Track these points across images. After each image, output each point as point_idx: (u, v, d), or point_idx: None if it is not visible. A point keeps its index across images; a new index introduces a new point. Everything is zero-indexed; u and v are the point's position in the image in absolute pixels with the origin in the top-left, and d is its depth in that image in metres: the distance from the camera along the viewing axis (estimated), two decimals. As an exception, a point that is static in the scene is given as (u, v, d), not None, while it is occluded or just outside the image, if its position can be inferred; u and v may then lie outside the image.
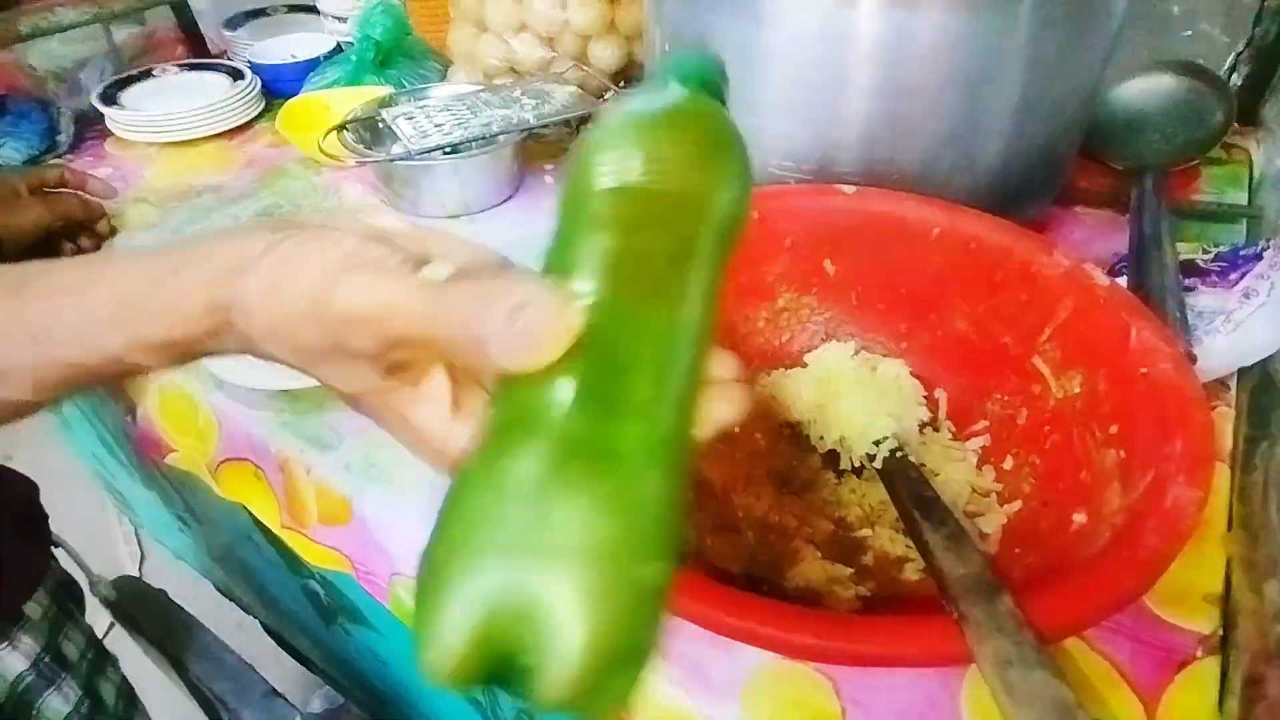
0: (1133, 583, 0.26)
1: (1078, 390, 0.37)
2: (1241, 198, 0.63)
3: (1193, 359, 0.41)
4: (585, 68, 0.75)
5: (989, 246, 0.43)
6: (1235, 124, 0.65)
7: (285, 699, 0.63)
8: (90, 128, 0.83)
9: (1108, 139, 0.66)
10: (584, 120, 0.77)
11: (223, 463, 0.51)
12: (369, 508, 0.44)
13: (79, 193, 0.64)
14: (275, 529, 0.50)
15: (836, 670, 0.35)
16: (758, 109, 0.50)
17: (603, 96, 0.74)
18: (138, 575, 1.40)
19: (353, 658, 0.77)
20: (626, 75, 0.78)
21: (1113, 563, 0.27)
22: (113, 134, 0.81)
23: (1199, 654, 0.34)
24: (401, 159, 0.62)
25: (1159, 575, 0.26)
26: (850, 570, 0.36)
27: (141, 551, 1.45)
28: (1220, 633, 0.34)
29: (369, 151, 0.65)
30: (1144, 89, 0.66)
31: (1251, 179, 0.65)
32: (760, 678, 0.35)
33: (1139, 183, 0.60)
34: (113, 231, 0.65)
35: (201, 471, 0.53)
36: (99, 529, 1.45)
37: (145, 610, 0.74)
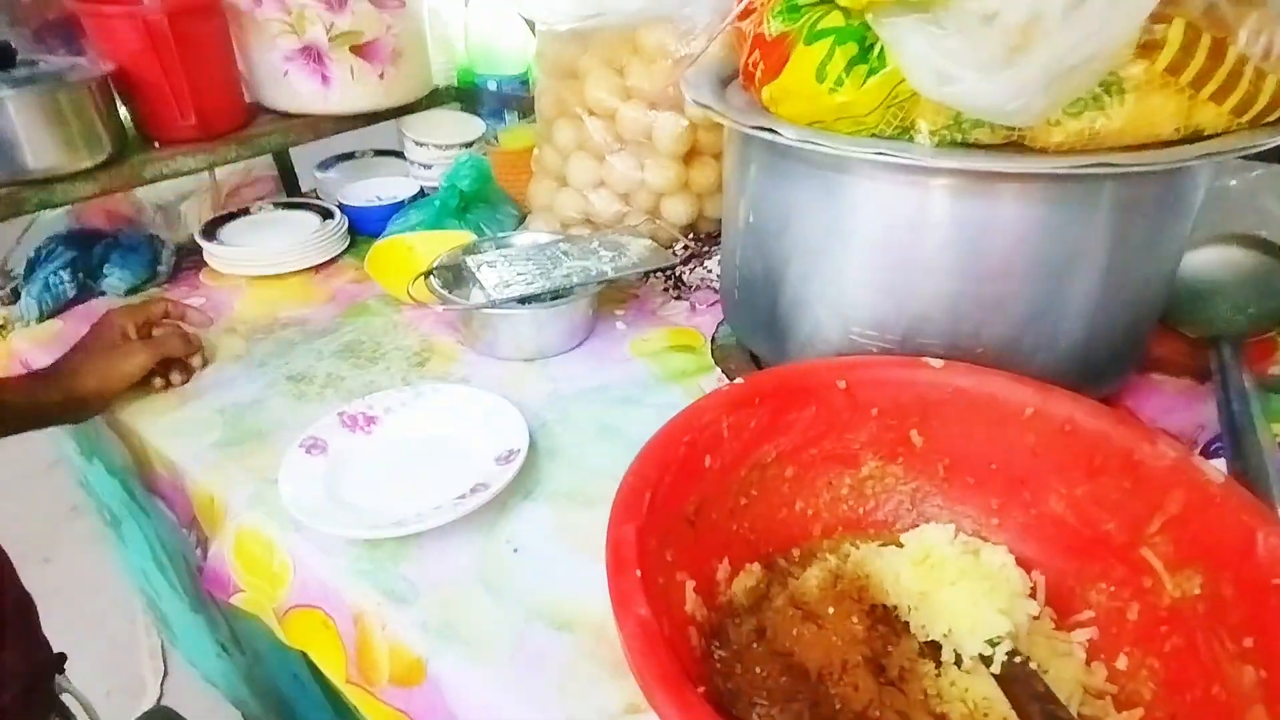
0: None
1: (1198, 592, 0.36)
2: (1323, 373, 0.62)
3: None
4: (658, 221, 0.78)
5: (1085, 430, 0.42)
6: (1307, 296, 0.65)
7: None
8: (187, 259, 0.88)
9: (1178, 307, 0.66)
10: (657, 271, 0.80)
11: (292, 609, 0.51)
12: (445, 672, 0.43)
13: (180, 325, 0.67)
14: (339, 683, 0.49)
15: None
16: (840, 279, 0.51)
17: (672, 248, 0.78)
18: (159, 694, 1.36)
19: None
20: (696, 229, 0.82)
21: None
22: (208, 265, 0.86)
23: None
24: (485, 307, 0.65)
25: None
26: None
27: (166, 669, 1.41)
28: None
29: (453, 297, 0.68)
30: (1211, 259, 0.67)
31: (1330, 352, 0.64)
32: None
33: (1218, 353, 0.59)
34: (204, 363, 0.68)
35: (268, 616, 0.53)
36: (124, 641, 1.43)
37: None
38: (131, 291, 0.82)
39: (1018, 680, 0.35)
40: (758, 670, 0.39)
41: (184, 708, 0.81)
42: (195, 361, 0.67)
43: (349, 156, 1.09)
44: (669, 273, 0.79)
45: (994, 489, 0.46)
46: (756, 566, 0.45)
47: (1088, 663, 0.39)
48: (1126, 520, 0.40)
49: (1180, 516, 0.38)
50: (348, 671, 0.48)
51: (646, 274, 0.80)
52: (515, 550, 0.49)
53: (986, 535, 0.46)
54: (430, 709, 0.44)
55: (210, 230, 0.87)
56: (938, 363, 0.48)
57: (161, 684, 1.41)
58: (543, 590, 0.46)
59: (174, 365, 0.66)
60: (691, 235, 0.81)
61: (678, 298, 0.77)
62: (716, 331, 0.71)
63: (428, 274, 0.69)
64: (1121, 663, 0.38)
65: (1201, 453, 0.50)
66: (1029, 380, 0.45)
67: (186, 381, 0.66)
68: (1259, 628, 0.32)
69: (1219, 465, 0.48)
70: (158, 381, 0.65)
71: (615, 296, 0.77)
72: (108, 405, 0.62)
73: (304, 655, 0.52)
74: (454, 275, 0.72)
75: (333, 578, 0.48)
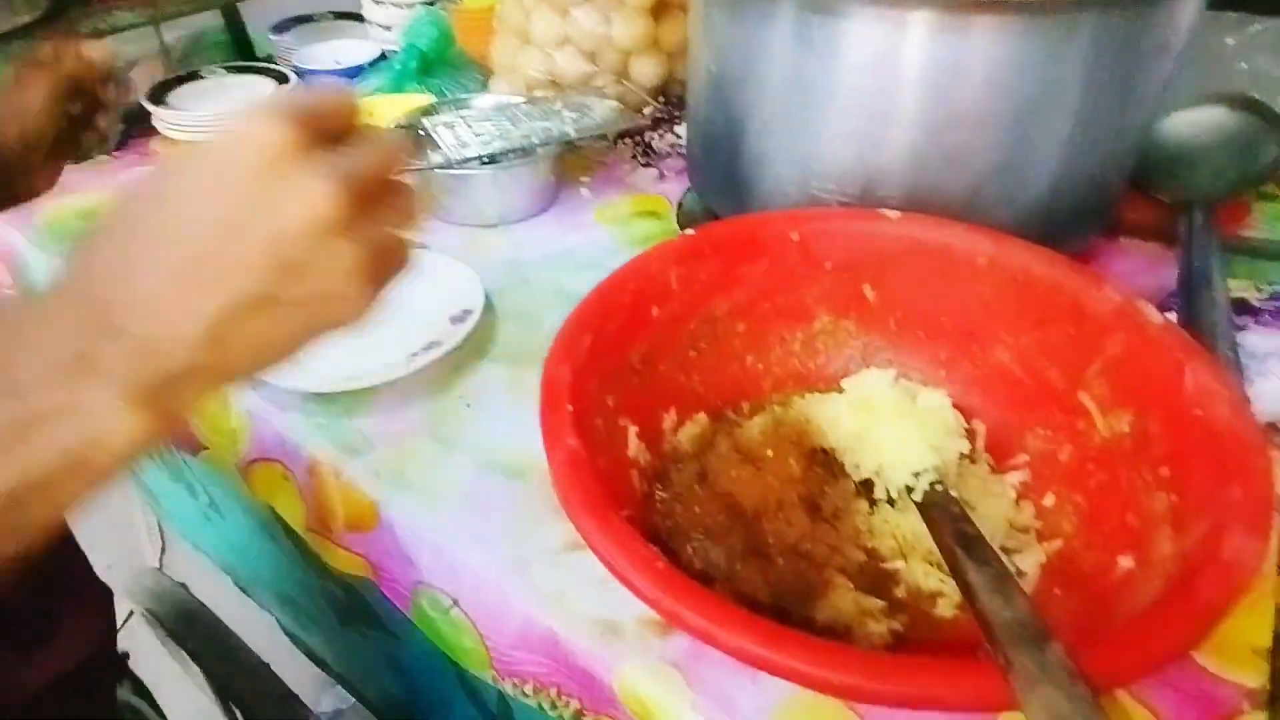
0: (1187, 636, 0.25)
1: (1127, 430, 0.36)
2: (1295, 236, 0.61)
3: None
4: (626, 83, 0.75)
5: (1037, 279, 0.42)
6: (1288, 160, 0.64)
7: (300, 701, 0.62)
8: (137, 127, 0.84)
9: (1155, 172, 0.64)
10: (622, 135, 0.77)
11: (252, 462, 0.52)
12: (396, 515, 0.44)
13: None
14: (301, 531, 0.50)
15: (863, 705, 0.34)
16: (802, 129, 0.49)
17: (642, 111, 0.74)
18: (159, 567, 1.42)
19: (368, 662, 0.76)
20: (666, 92, 0.78)
21: (1167, 614, 0.26)
22: (159, 133, 0.82)
23: (1245, 708, 0.33)
24: (442, 168, 0.63)
25: (1214, 628, 0.25)
26: (882, 604, 0.36)
27: (164, 543, 1.47)
28: (1269, 687, 0.33)
29: (410, 160, 0.66)
30: (1194, 122, 0.65)
31: (1304, 217, 0.63)
32: (788, 708, 0.34)
33: (1188, 217, 0.58)
34: (129, 96, 0.60)
35: (231, 470, 0.54)
36: (122, 522, 1.48)
37: (164, 604, 0.75)
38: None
39: (935, 505, 0.36)
40: (696, 510, 0.40)
41: (183, 574, 0.84)
42: (109, 96, 0.56)
43: (306, 19, 1.02)
44: (637, 139, 0.76)
45: (944, 342, 0.46)
46: (703, 416, 0.45)
47: (1017, 501, 0.40)
48: (1068, 366, 0.40)
49: (1118, 358, 0.38)
50: (307, 520, 0.50)
51: (615, 140, 0.78)
52: (468, 405, 0.50)
53: (934, 388, 0.46)
54: (385, 552, 0.45)
55: (158, 95, 0.83)
56: (894, 214, 0.46)
57: (160, 559, 1.47)
58: (494, 442, 0.47)
59: (98, 110, 0.57)
60: (661, 99, 0.77)
61: (646, 165, 0.75)
62: (684, 197, 0.69)
63: (382, 135, 0.66)
64: (1049, 500, 0.39)
65: (1158, 309, 0.50)
66: (985, 230, 0.44)
67: (122, 123, 0.59)
68: (1176, 457, 0.33)
69: (1170, 318, 0.48)
70: (89, 136, 0.57)
71: (581, 164, 0.75)
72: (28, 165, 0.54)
73: (276, 516, 0.54)
74: (411, 139, 0.69)
75: (288, 431, 0.49)
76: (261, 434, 0.51)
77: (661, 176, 0.73)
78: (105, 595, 0.50)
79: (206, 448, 0.55)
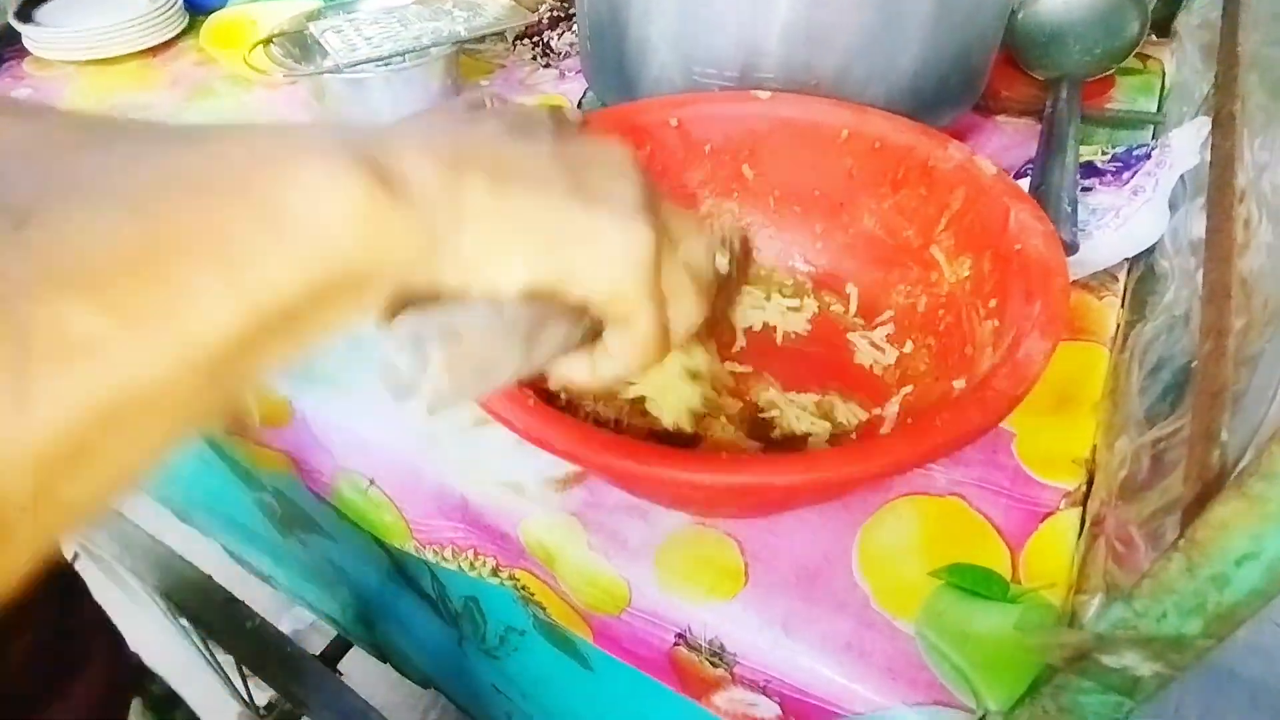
0: (982, 418, 0.29)
1: (967, 273, 0.40)
2: (1152, 105, 0.66)
3: (1073, 248, 0.44)
4: (519, -20, 0.73)
5: (893, 145, 0.45)
6: (1151, 35, 0.67)
7: (243, 604, 0.65)
8: (8, 48, 0.79)
9: (1029, 49, 0.68)
10: (521, 36, 0.77)
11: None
12: (309, 407, 0.46)
13: None
14: (223, 435, 0.52)
15: (741, 531, 0.38)
16: (681, 15, 0.50)
17: (537, 10, 0.74)
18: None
19: (312, 568, 0.79)
20: (562, -12, 0.77)
21: (966, 401, 0.30)
22: (30, 54, 0.78)
23: (1061, 505, 0.38)
24: (331, 72, 0.62)
25: (1005, 413, 0.29)
26: (758, 444, 0.40)
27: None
28: (1084, 488, 0.39)
29: (298, 66, 0.64)
30: (1065, 1, 0.68)
31: (1163, 89, 0.67)
32: (673, 540, 0.38)
33: (1055, 91, 0.62)
34: None
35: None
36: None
37: (110, 537, 0.76)
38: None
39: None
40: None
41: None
42: None
43: (181, -75, 0.96)
44: (536, 39, 0.75)
45: (818, 215, 0.49)
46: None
47: (883, 350, 0.45)
48: (922, 224, 0.44)
49: (960, 211, 0.42)
50: (228, 424, 0.51)
51: (514, 42, 0.77)
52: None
53: (811, 259, 0.50)
54: (302, 444, 0.47)
55: (26, 12, 0.78)
56: (764, 94, 0.49)
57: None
58: (401, 335, 0.49)
59: None
60: (558, -4, 0.76)
61: (546, 65, 0.75)
62: (583, 96, 0.69)
63: (268, 42, 0.65)
64: (908, 347, 0.44)
65: (1015, 175, 0.54)
66: (847, 104, 0.47)
67: None
68: (1000, 289, 0.37)
69: (1023, 182, 0.52)
70: None
71: (481, 67, 0.74)
72: None
73: (211, 444, 0.55)
74: (299, 46, 0.67)
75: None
76: (169, 345, 0.51)
77: (562, 76, 0.73)
78: (115, 642, 0.47)
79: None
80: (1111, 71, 0.67)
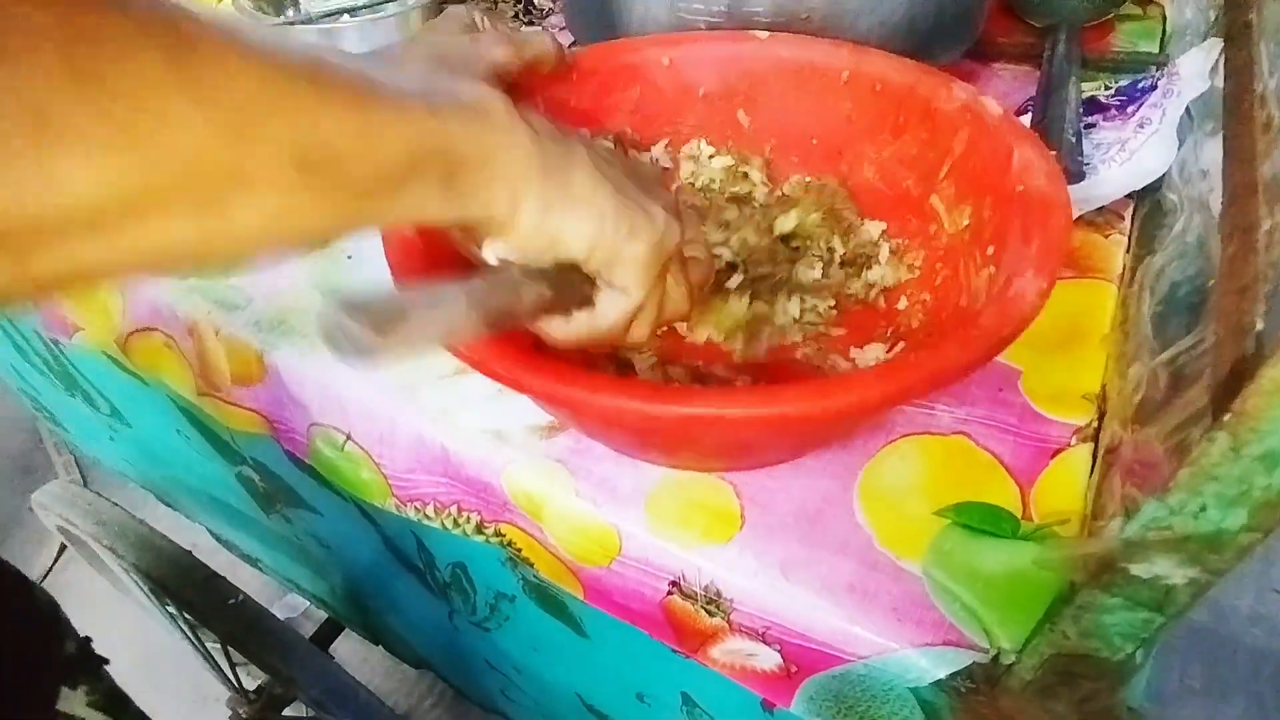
0: (969, 356, 0.27)
1: (967, 223, 0.38)
2: (1154, 49, 0.64)
3: (1078, 176, 0.42)
4: (499, -68, 0.71)
5: (894, 86, 0.43)
6: (1151, -21, 0.66)
7: (226, 580, 0.63)
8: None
9: (1027, -4, 0.66)
10: (502, -9, 0.74)
11: (131, 335, 0.50)
12: (282, 361, 0.43)
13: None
14: (192, 397, 0.50)
15: (737, 475, 0.36)
16: (664, -53, 0.48)
17: (519, -38, 0.71)
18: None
19: (299, 550, 0.77)
20: (544, -60, 0.75)
21: (952, 340, 0.28)
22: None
23: (1073, 441, 0.36)
24: (303, 23, 0.59)
25: (992, 353, 0.27)
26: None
27: (84, 479, 1.43)
28: (1095, 423, 0.37)
29: (268, 17, 0.62)
30: (1062, -56, 0.66)
31: (1164, 34, 0.65)
32: (664, 486, 0.36)
33: (1054, 36, 0.60)
34: None
35: (111, 348, 0.52)
36: (40, 461, 1.43)
37: (82, 517, 0.73)
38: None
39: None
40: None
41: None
42: None
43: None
44: (518, -5, 0.73)
45: (815, 163, 0.47)
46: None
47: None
48: (922, 172, 0.42)
49: (963, 155, 0.39)
50: (196, 384, 0.49)
51: (495, 0, 0.74)
52: (350, 257, 0.49)
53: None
54: (276, 401, 0.45)
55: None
56: (762, 34, 0.47)
57: (84, 494, 1.43)
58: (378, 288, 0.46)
59: None
60: (539, -51, 0.74)
61: (529, 23, 0.72)
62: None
63: (236, -6, 0.62)
64: (902, 304, 0.42)
65: (1016, 112, 0.52)
66: (846, 43, 0.45)
67: None
68: (999, 234, 0.34)
69: (1024, 119, 0.50)
70: None
71: (461, 24, 0.71)
72: None
73: (174, 404, 0.53)
74: (272, 1, 0.65)
75: (161, 295, 0.47)
76: (136, 303, 0.49)
77: (545, 32, 0.71)
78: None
79: (81, 328, 0.53)
80: (1110, 16, 0.65)
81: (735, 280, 0.41)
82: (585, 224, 0.27)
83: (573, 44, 0.66)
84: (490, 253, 0.27)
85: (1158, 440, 0.26)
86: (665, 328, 0.40)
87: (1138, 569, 0.19)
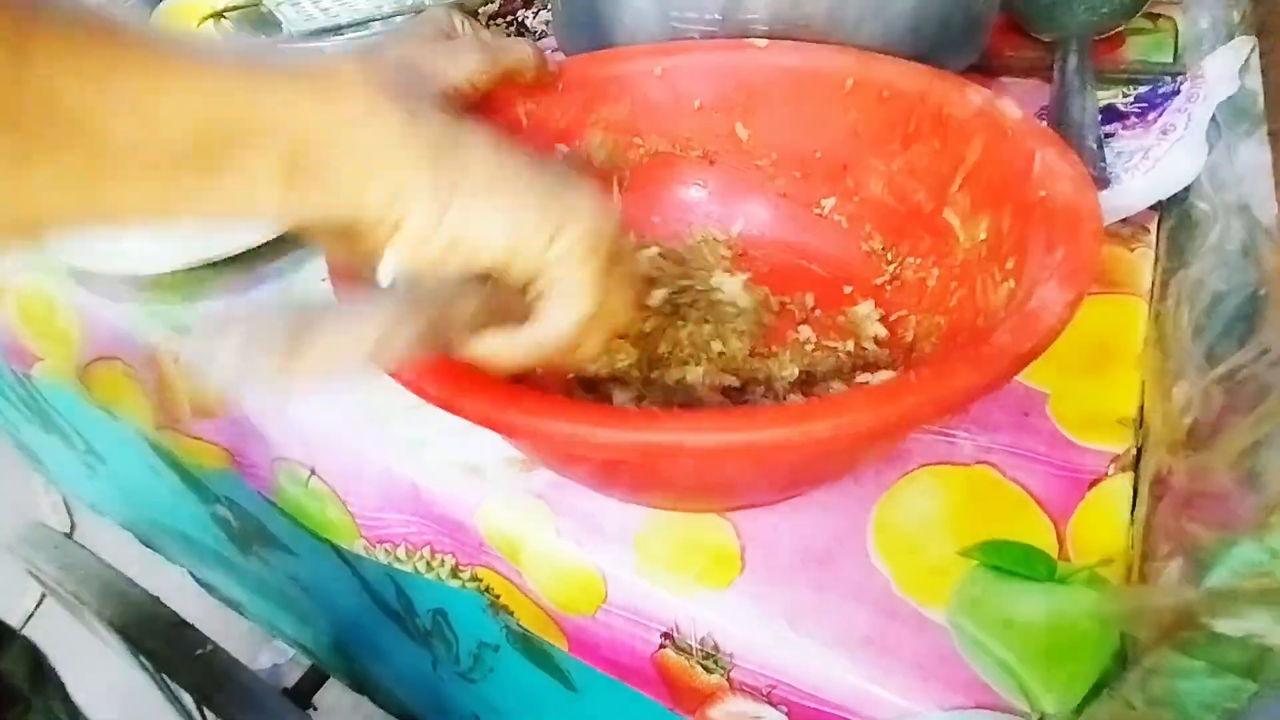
0: (981, 378, 0.23)
1: (984, 236, 0.35)
2: (1168, 60, 0.61)
3: (1103, 183, 0.39)
4: (490, -45, 0.70)
5: (903, 93, 0.40)
6: (1160, -7, 0.63)
7: (195, 629, 0.59)
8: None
9: (1033, 8, 0.64)
10: (495, 15, 0.73)
11: (90, 364, 0.47)
12: (243, 393, 0.40)
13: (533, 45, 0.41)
14: (152, 431, 0.46)
15: (736, 511, 0.32)
16: (655, -46, 0.46)
17: (510, -18, 0.70)
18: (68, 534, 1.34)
19: (280, 594, 0.73)
20: (536, -39, 0.73)
21: (958, 359, 0.24)
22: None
23: (1110, 471, 0.32)
24: (285, 43, 0.57)
25: (1010, 373, 0.23)
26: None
27: (72, 520, 1.39)
28: (1134, 451, 0.33)
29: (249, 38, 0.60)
30: (1069, -44, 0.64)
31: (1177, 45, 0.63)
32: (655, 523, 0.32)
33: (1064, 48, 0.58)
34: None
35: (72, 379, 0.49)
36: (26, 502, 1.39)
37: (47, 558, 0.70)
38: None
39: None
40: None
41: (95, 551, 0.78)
42: None
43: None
44: (510, 18, 0.71)
45: (819, 180, 0.44)
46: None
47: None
48: (934, 184, 0.39)
49: (979, 164, 0.36)
50: (156, 417, 0.46)
51: (488, 22, 0.73)
52: (324, 279, 0.46)
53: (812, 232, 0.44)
54: (239, 434, 0.42)
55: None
56: (762, 43, 0.44)
57: (70, 535, 1.39)
58: (351, 311, 0.43)
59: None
60: (531, -30, 0.72)
61: (521, 45, 0.71)
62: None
63: (219, 16, 0.60)
64: (911, 329, 0.38)
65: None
66: (849, 49, 0.43)
67: None
68: (1019, 246, 0.31)
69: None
70: None
71: (451, 47, 0.70)
72: None
73: (158, 450, 0.49)
74: (253, 22, 0.63)
75: (120, 320, 0.44)
76: (95, 331, 0.46)
77: (537, 55, 0.69)
78: None
79: (41, 358, 0.50)
80: (1120, 30, 0.63)
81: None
82: (497, 219, 0.22)
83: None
84: (385, 268, 0.23)
85: (1224, 466, 0.22)
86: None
87: (1225, 625, 0.16)
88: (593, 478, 0.32)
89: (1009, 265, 0.32)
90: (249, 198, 0.20)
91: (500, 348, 0.25)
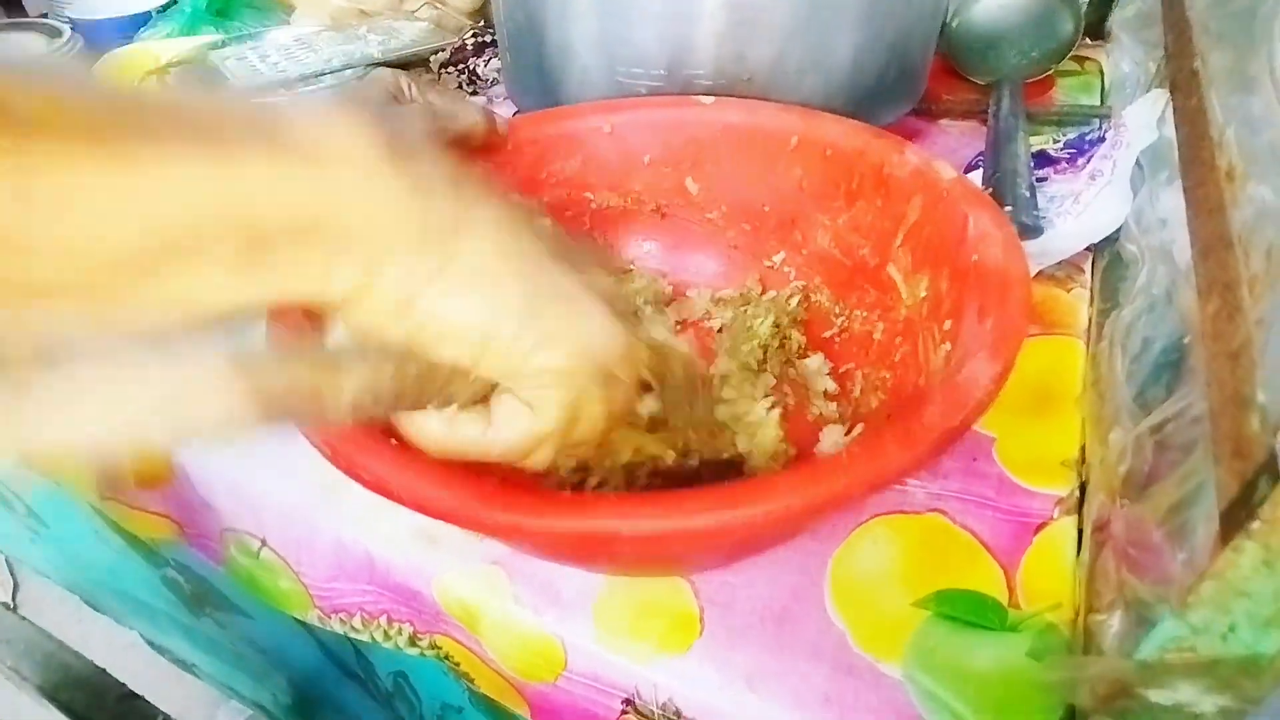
0: (908, 458, 0.23)
1: (924, 294, 0.36)
2: (1094, 102, 0.64)
3: (1036, 231, 0.41)
4: (440, 6, 0.70)
5: (845, 151, 0.41)
6: (1086, 38, 0.67)
7: (142, 699, 0.57)
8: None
9: (967, 55, 0.66)
10: (446, 65, 0.73)
11: (29, 435, 0.45)
12: (189, 460, 0.39)
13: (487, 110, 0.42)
14: (97, 500, 0.45)
15: (695, 574, 0.32)
16: (601, 11, 0.47)
17: (460, 35, 0.70)
18: (13, 607, 1.28)
19: (234, 654, 0.71)
20: (485, 14, 0.74)
21: (886, 435, 0.24)
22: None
23: (1055, 515, 0.33)
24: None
25: (941, 449, 0.24)
26: None
27: (15, 580, 1.33)
28: (1077, 493, 0.34)
29: (195, 95, 0.60)
30: (1003, 4, 0.67)
31: (1103, 87, 0.66)
32: (613, 588, 0.32)
33: (997, 92, 0.60)
34: None
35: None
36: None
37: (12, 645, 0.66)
38: None
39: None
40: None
41: (39, 613, 0.74)
42: None
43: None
44: (461, 66, 0.72)
45: (768, 234, 0.45)
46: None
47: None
48: (878, 240, 0.40)
49: (918, 223, 0.37)
50: (99, 486, 0.44)
51: (439, 71, 0.73)
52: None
53: (765, 280, 0.45)
54: (185, 504, 0.41)
55: (-95, 60, 0.72)
56: (707, 99, 0.45)
57: (14, 596, 1.33)
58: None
59: None
60: (481, 22, 0.73)
61: (473, 93, 0.71)
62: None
63: (164, 71, 0.60)
64: (859, 382, 0.39)
65: (966, 170, 0.51)
66: (794, 107, 0.44)
67: None
68: (956, 308, 0.32)
69: (974, 175, 0.49)
70: None
71: (403, 96, 0.70)
72: None
73: (102, 515, 0.48)
74: (199, 76, 0.63)
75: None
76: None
77: (489, 103, 0.70)
78: None
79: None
80: (1050, 72, 0.66)
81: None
82: (472, 313, 0.20)
83: (516, 113, 0.65)
84: (336, 333, 0.21)
85: (1153, 520, 0.23)
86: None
87: (1157, 695, 0.16)
88: (539, 554, 0.32)
89: (946, 326, 0.33)
90: (192, 298, 0.17)
91: (436, 435, 0.23)
